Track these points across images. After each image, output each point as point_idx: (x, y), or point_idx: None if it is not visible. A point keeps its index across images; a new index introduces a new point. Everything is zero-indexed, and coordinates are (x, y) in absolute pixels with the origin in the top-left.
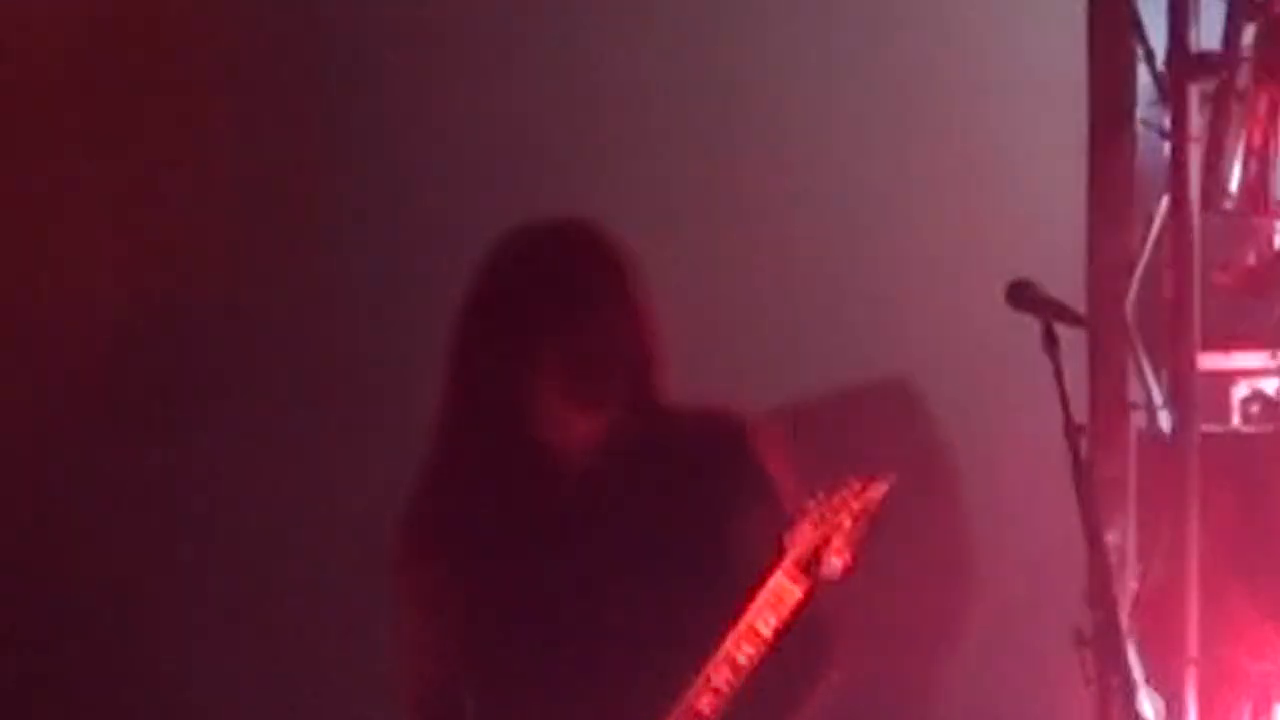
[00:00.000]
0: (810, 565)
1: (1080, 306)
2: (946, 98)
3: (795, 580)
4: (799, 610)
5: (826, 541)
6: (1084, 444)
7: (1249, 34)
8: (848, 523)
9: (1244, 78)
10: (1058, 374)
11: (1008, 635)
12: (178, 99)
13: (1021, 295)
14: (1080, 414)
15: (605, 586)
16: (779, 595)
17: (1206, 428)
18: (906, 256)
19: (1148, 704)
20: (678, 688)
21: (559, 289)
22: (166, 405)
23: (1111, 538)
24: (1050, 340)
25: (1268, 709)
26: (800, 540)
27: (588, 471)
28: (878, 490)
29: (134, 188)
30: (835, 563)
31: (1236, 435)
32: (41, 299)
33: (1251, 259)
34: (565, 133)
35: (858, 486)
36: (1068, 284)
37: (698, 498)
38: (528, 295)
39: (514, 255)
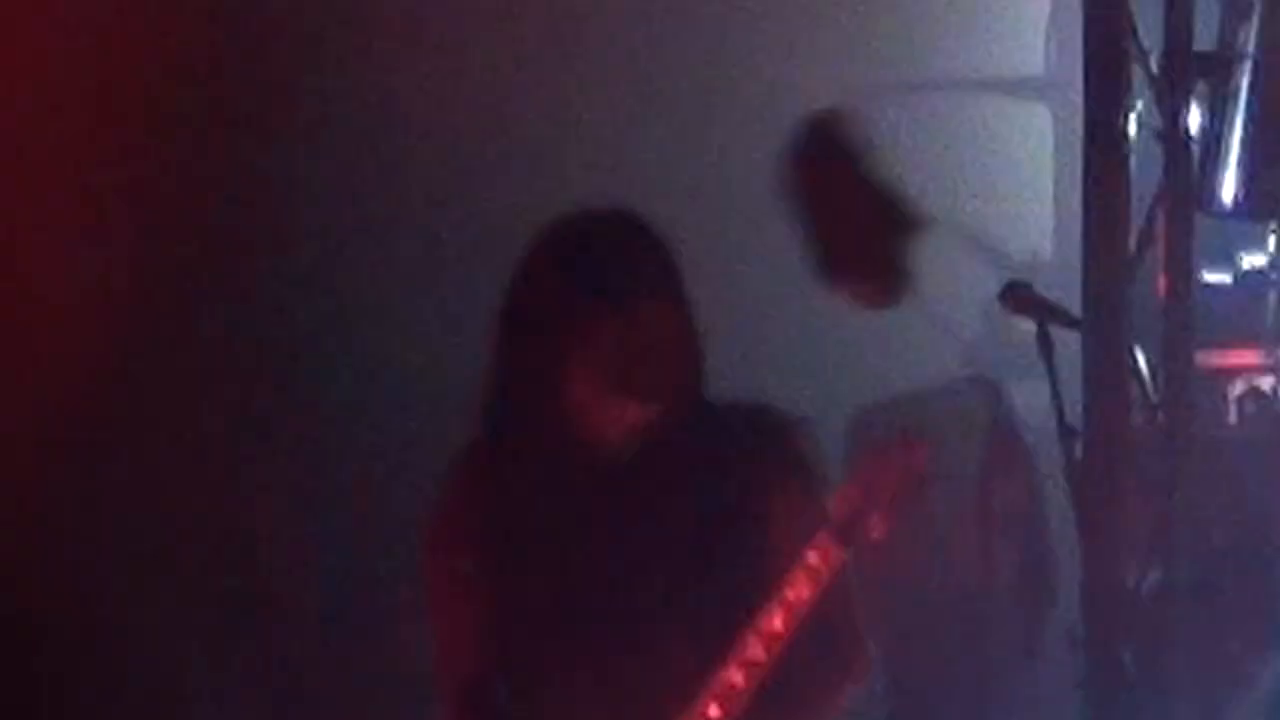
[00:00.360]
0: (851, 530)
1: (1075, 308)
2: (944, 98)
3: (835, 546)
4: (837, 577)
5: (867, 506)
6: (1079, 444)
7: (1246, 34)
8: (888, 487)
9: (1240, 78)
10: (1052, 375)
11: (1005, 636)
12: (180, 98)
13: (1017, 297)
14: (1075, 414)
15: (644, 579)
16: (819, 562)
17: (1202, 428)
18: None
19: (1143, 704)
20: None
21: (601, 282)
22: (181, 404)
23: (1106, 538)
24: (1045, 342)
25: (1264, 708)
26: (842, 506)
27: (628, 465)
28: (918, 455)
29: (134, 188)
30: (875, 527)
31: (1233, 435)
32: (42, 300)
33: (1245, 260)
34: (599, 126)
35: (898, 451)
36: (1064, 285)
37: (738, 493)
38: (571, 288)
39: (557, 248)
